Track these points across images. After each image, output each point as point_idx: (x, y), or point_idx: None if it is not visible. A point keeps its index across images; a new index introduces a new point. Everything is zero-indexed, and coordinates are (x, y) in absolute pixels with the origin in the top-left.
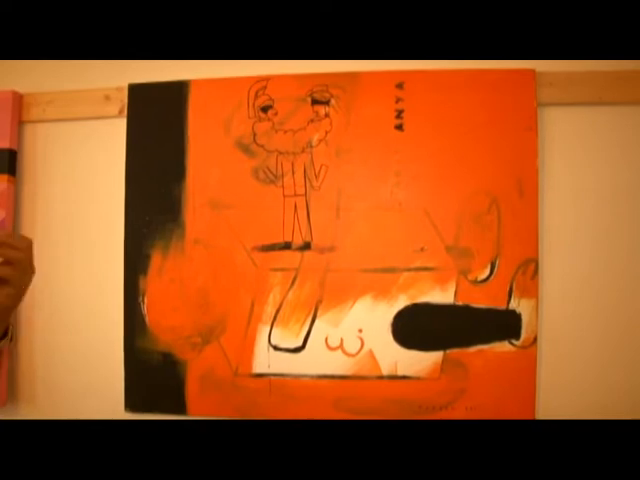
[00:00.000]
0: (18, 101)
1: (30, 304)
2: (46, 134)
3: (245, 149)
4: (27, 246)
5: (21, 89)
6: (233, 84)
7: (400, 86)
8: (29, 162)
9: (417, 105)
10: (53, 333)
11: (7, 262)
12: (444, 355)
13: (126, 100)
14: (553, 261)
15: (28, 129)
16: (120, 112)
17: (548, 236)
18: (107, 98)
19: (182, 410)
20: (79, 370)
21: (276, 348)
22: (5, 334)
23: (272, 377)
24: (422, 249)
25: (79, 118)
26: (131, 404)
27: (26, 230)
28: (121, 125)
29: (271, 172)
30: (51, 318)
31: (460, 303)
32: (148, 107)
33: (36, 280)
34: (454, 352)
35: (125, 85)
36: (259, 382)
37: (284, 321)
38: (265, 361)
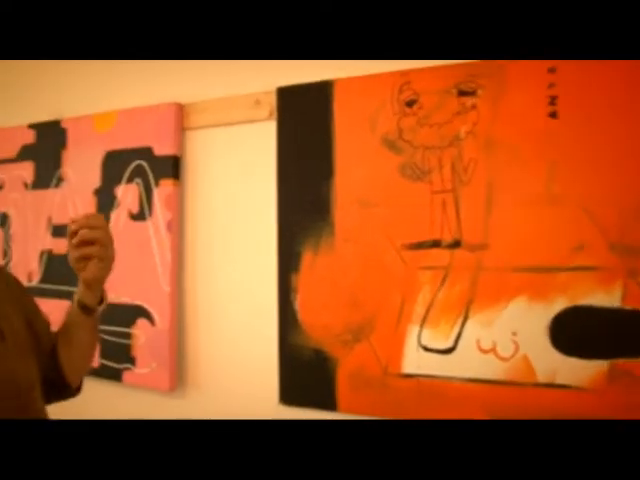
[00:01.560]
0: (180, 111)
1: (194, 301)
2: (204, 140)
3: (391, 146)
4: (102, 223)
5: (182, 100)
6: (377, 80)
7: (552, 70)
8: (191, 166)
9: (573, 89)
10: (215, 327)
11: (89, 242)
12: (610, 365)
13: (275, 103)
14: None
15: (189, 136)
16: (270, 115)
17: None
18: (257, 102)
19: (332, 406)
20: (237, 362)
21: (426, 349)
22: (101, 300)
23: (421, 378)
24: (581, 247)
25: (233, 123)
26: (285, 398)
27: (188, 230)
28: (271, 127)
29: (418, 168)
30: (212, 313)
31: (628, 307)
32: (295, 108)
33: (198, 277)
34: (622, 362)
35: (273, 89)
36: (408, 382)
37: (434, 321)
38: (414, 361)
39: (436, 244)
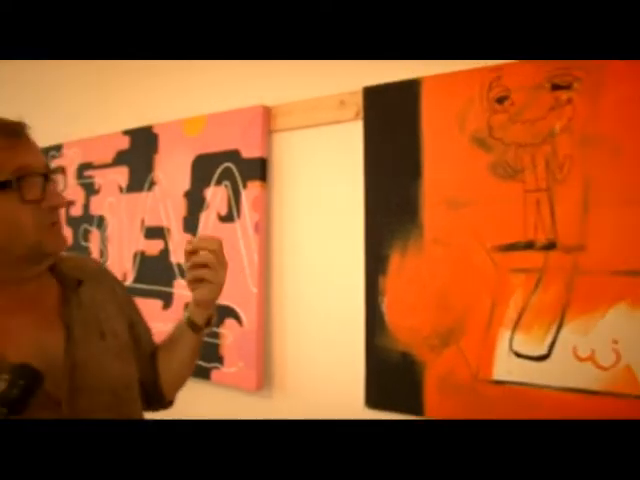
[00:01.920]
0: (267, 114)
1: (281, 302)
2: (290, 142)
3: (481, 144)
4: (218, 247)
5: (268, 102)
6: (465, 77)
7: None
8: (277, 168)
9: None
10: (301, 329)
11: (203, 264)
12: None
13: (361, 103)
14: None
15: (275, 138)
16: (356, 115)
17: None
18: (342, 103)
19: (419, 411)
20: (323, 364)
21: (518, 355)
22: (209, 322)
23: (512, 385)
24: None
25: (318, 124)
26: (370, 401)
27: (275, 231)
28: (357, 128)
29: (510, 166)
30: (299, 314)
31: None
32: (382, 108)
33: (285, 279)
34: None
35: (359, 89)
36: (499, 389)
37: (527, 326)
38: (506, 367)
39: (529, 245)
